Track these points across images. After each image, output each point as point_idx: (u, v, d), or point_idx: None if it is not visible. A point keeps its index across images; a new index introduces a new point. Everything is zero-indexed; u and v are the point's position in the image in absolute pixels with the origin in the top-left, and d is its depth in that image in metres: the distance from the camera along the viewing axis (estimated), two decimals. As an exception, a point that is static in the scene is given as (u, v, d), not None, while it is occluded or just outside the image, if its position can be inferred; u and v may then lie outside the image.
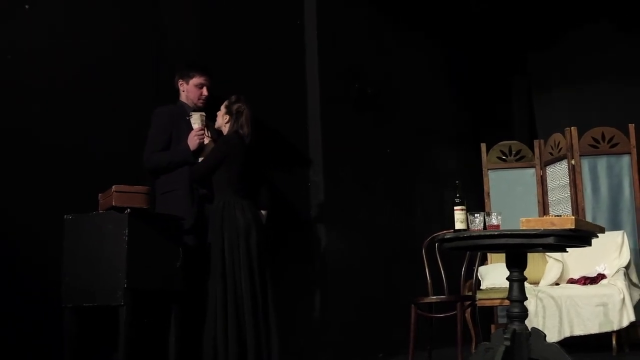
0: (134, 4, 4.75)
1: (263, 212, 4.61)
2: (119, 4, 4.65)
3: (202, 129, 4.41)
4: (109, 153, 4.39)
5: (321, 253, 5.65)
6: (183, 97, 4.62)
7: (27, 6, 4.19)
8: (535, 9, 7.58)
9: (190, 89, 4.59)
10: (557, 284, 5.77)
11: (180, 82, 4.61)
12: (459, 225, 3.93)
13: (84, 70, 4.39)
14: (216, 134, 4.60)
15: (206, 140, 4.44)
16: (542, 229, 3.55)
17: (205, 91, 4.59)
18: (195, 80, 4.58)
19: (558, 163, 6.50)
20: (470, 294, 5.26)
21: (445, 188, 6.85)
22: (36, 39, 4.22)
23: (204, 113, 4.48)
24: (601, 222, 5.97)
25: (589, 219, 6.13)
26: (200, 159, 4.42)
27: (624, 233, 5.83)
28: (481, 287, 6.01)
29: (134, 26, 4.72)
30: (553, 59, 7.87)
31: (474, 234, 3.74)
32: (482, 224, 3.83)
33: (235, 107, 4.49)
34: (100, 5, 4.55)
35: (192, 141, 4.40)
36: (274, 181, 5.32)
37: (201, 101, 4.59)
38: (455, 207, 3.96)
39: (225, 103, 4.53)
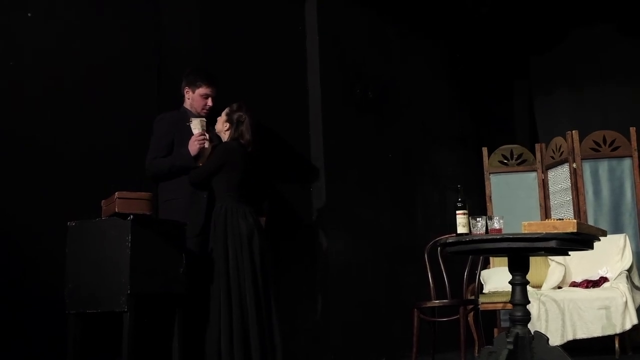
0: (135, 11, 4.77)
1: (262, 218, 4.62)
2: (120, 11, 4.67)
3: (202, 134, 4.43)
4: (112, 159, 4.41)
5: (323, 257, 5.65)
6: (187, 104, 4.64)
7: (29, 14, 4.21)
8: (537, 12, 7.59)
9: (195, 98, 4.61)
10: (559, 287, 5.77)
11: (187, 90, 4.64)
12: (461, 229, 3.93)
13: (86, 77, 4.42)
14: (217, 138, 4.61)
15: (207, 145, 4.45)
16: (544, 232, 3.56)
17: (210, 102, 4.62)
18: (202, 90, 4.60)
19: (559, 167, 6.50)
20: (472, 297, 5.27)
21: (447, 191, 6.86)
22: (38, 46, 4.24)
23: (204, 118, 4.51)
24: (603, 225, 5.97)
25: (590, 222, 6.13)
26: (200, 164, 4.44)
27: (625, 236, 5.82)
28: (483, 291, 6.01)
29: (136, 33, 4.74)
30: (554, 62, 7.87)
31: (476, 238, 3.75)
32: (484, 228, 3.84)
33: (236, 116, 4.51)
34: (101, 12, 4.57)
35: (193, 146, 4.41)
36: (276, 185, 5.33)
37: (205, 111, 4.62)
38: (457, 211, 3.96)
39: (227, 110, 4.55)
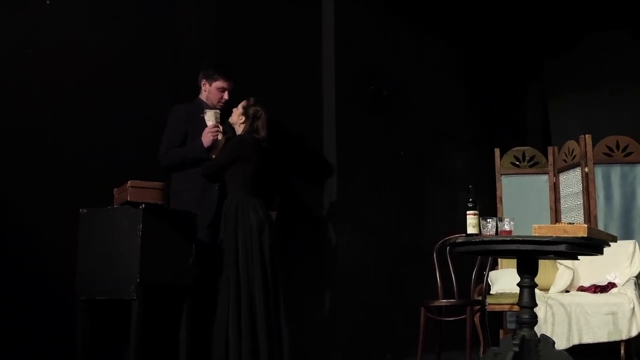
0: (151, 4, 4.78)
1: (273, 213, 4.63)
2: (135, 6, 4.69)
3: (216, 126, 4.45)
4: (125, 148, 4.43)
5: (332, 253, 5.66)
6: (203, 96, 4.66)
7: (48, 2, 4.23)
8: (551, 14, 7.56)
9: (212, 91, 4.63)
10: (567, 291, 5.76)
11: (204, 82, 4.65)
12: (471, 229, 3.93)
13: (101, 66, 4.44)
14: (230, 131, 4.62)
15: (220, 137, 4.47)
16: (554, 236, 3.55)
17: (226, 95, 4.64)
18: (218, 83, 4.62)
19: (571, 170, 6.48)
20: (480, 298, 5.27)
21: (457, 191, 6.85)
22: (56, 35, 4.27)
23: (218, 110, 4.53)
24: (613, 230, 5.95)
25: (601, 227, 6.11)
26: (213, 156, 4.45)
27: (635, 242, 5.80)
28: (491, 292, 6.01)
29: (151, 24, 4.76)
30: (568, 65, 7.83)
31: (486, 239, 3.75)
32: (494, 229, 3.84)
33: (252, 110, 4.52)
34: (118, 5, 4.59)
35: (206, 138, 4.43)
36: (288, 181, 5.34)
37: (221, 104, 4.64)
38: (467, 212, 3.95)
39: (244, 103, 4.56)
